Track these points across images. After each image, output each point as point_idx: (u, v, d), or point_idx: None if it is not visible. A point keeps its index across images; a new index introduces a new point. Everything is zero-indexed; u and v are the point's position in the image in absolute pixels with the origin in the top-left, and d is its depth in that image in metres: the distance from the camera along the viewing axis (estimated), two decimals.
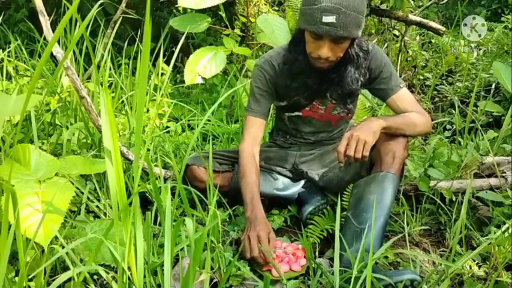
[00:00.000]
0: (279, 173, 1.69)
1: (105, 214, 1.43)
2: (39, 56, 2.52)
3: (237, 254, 1.24)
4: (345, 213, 1.40)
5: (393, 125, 1.39)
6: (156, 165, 1.62)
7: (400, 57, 3.03)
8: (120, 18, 2.38)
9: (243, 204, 1.60)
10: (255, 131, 1.56)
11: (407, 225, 1.53)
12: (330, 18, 1.28)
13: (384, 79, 1.50)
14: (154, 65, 2.40)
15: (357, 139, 1.31)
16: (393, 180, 1.37)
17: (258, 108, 1.56)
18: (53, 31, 1.38)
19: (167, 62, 2.39)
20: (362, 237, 1.27)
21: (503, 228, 1.36)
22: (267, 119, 1.61)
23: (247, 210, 1.42)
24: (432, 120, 2.38)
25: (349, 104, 1.57)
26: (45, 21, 1.39)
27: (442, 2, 3.62)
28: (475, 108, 2.42)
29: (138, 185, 1.03)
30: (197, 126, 2.18)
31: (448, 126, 2.47)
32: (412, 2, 3.65)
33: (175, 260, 1.22)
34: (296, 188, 1.65)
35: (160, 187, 1.38)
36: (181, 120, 2.21)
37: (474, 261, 1.36)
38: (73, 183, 1.22)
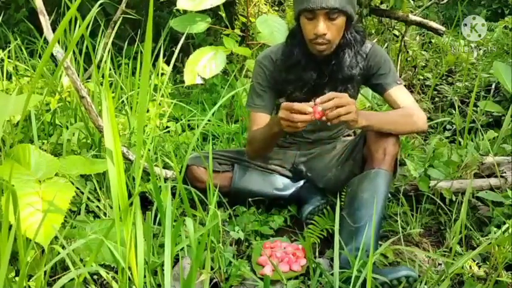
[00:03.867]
0: (279, 173, 1.69)
1: (105, 214, 1.43)
2: (39, 56, 2.52)
3: (238, 254, 1.24)
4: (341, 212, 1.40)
5: (375, 124, 1.37)
6: (156, 165, 1.62)
7: (400, 57, 3.03)
8: (120, 18, 2.38)
9: (242, 204, 1.61)
10: (261, 126, 1.55)
11: (408, 225, 1.54)
12: None
13: (382, 75, 1.50)
14: (154, 65, 2.40)
15: (348, 102, 1.25)
16: (385, 177, 1.37)
17: (262, 103, 1.57)
18: (53, 31, 1.38)
19: (167, 62, 2.39)
20: (357, 235, 1.27)
21: (503, 228, 1.36)
22: (271, 114, 1.60)
23: (270, 127, 1.46)
24: (432, 120, 2.40)
25: (349, 90, 1.53)
26: (45, 20, 1.38)
27: (442, 2, 3.62)
28: (475, 108, 2.42)
29: (139, 185, 1.03)
30: (197, 126, 2.18)
31: (448, 126, 2.47)
32: (412, 2, 3.65)
33: (175, 260, 1.23)
34: (296, 188, 1.66)
35: (160, 187, 1.38)
36: (182, 120, 2.21)
37: (474, 261, 1.36)
38: (73, 183, 1.22)
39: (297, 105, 1.27)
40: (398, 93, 1.48)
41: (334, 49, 1.44)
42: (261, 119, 1.56)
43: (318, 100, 1.26)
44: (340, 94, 1.27)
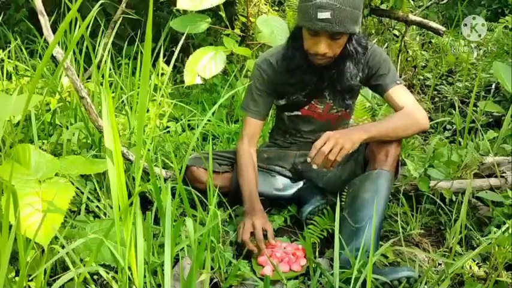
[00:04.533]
0: (279, 173, 1.69)
1: (105, 214, 1.43)
2: (40, 56, 2.52)
3: (238, 254, 1.24)
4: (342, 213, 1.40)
5: (376, 135, 1.36)
6: (156, 166, 1.62)
7: (400, 57, 3.03)
8: (120, 18, 2.38)
9: (242, 205, 1.61)
10: (253, 131, 1.60)
11: (408, 225, 1.54)
12: (325, 14, 1.29)
13: (381, 75, 1.49)
14: (154, 65, 2.40)
15: (336, 141, 1.28)
16: (387, 178, 1.37)
17: (256, 108, 1.58)
18: (53, 31, 1.38)
19: (167, 62, 2.39)
20: (358, 236, 1.27)
21: (503, 228, 1.36)
22: (265, 119, 1.63)
23: (245, 204, 1.47)
24: (432, 120, 2.40)
25: (347, 100, 1.55)
26: (44, 21, 1.39)
27: (442, 2, 3.63)
28: (475, 108, 2.42)
29: (139, 185, 1.03)
30: (197, 126, 2.18)
31: (448, 126, 2.47)
32: (412, 2, 3.65)
33: (175, 260, 1.23)
34: (296, 188, 1.66)
35: (160, 187, 1.38)
36: (182, 120, 2.21)
37: (474, 261, 1.36)
38: (73, 183, 1.22)
39: (251, 248, 1.34)
40: (398, 93, 1.48)
41: (334, 60, 1.44)
42: (252, 125, 1.60)
43: (308, 159, 1.30)
44: (321, 141, 1.29)
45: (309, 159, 1.31)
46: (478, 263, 1.36)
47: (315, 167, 1.30)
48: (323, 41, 1.35)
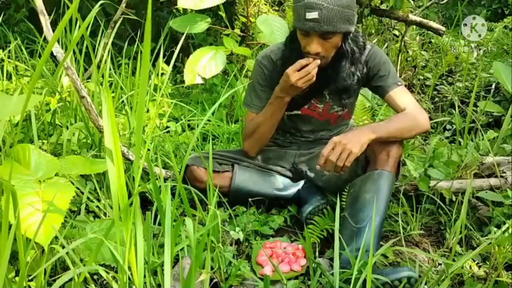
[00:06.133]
0: (279, 173, 1.69)
1: (105, 214, 1.43)
2: (39, 56, 2.52)
3: (238, 254, 1.23)
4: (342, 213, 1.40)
5: (384, 135, 1.36)
6: (156, 165, 1.62)
7: (400, 57, 3.03)
8: (120, 18, 2.38)
9: (242, 204, 1.61)
10: None
11: (408, 225, 1.53)
12: (312, 14, 1.31)
13: (382, 77, 1.50)
14: (154, 65, 2.40)
15: (343, 147, 1.29)
16: (388, 179, 1.37)
17: (261, 104, 1.58)
18: (53, 31, 1.38)
19: (167, 62, 2.39)
20: (359, 236, 1.27)
21: (503, 228, 1.36)
22: None
23: (272, 99, 1.52)
24: (432, 120, 2.40)
25: (344, 100, 1.56)
26: (45, 20, 1.39)
27: (442, 2, 3.62)
28: (475, 108, 2.42)
29: (139, 185, 1.03)
30: (197, 126, 2.18)
31: (448, 126, 2.47)
32: (412, 2, 3.65)
33: (175, 260, 1.23)
34: (296, 188, 1.66)
35: (160, 187, 1.38)
36: (181, 120, 2.21)
37: (474, 261, 1.36)
38: (73, 183, 1.22)
39: (299, 63, 1.38)
40: (399, 95, 1.48)
41: (331, 59, 1.44)
42: None
43: (318, 167, 1.34)
44: (329, 148, 1.30)
45: (318, 167, 1.33)
46: (478, 263, 1.36)
47: (326, 173, 1.32)
48: (314, 40, 1.37)
